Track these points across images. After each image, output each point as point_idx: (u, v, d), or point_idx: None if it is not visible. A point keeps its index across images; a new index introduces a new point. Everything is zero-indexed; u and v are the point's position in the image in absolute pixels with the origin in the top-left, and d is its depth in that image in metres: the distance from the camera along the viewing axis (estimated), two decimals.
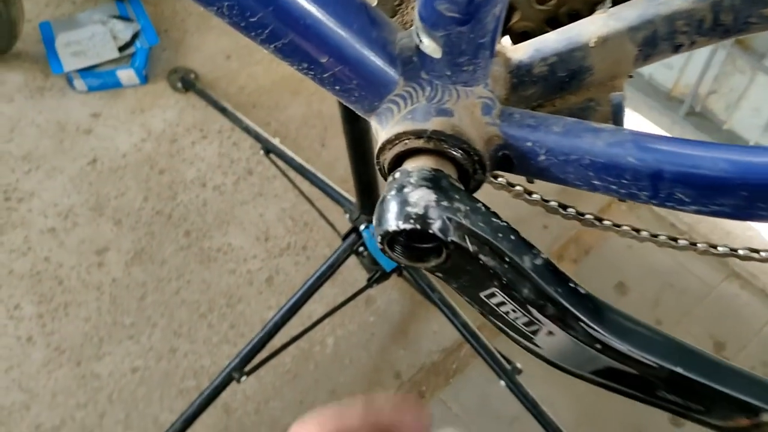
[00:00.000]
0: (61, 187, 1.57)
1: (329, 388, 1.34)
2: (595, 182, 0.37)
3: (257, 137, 1.50)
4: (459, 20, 0.35)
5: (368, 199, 1.13)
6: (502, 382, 1.17)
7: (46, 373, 1.36)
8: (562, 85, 0.40)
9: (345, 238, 1.20)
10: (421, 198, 0.35)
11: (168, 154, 1.61)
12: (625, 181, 0.36)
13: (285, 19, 0.37)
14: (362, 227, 1.16)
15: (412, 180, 0.36)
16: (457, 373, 1.36)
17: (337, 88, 0.40)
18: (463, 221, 0.35)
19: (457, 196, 0.36)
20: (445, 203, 0.35)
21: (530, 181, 0.42)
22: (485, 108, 0.39)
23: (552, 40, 0.40)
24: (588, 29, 0.39)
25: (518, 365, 1.21)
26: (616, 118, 0.41)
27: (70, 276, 1.46)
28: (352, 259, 1.25)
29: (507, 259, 0.36)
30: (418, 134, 0.38)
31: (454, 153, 0.38)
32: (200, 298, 1.43)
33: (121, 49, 1.69)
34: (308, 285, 1.21)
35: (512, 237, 0.36)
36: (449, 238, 0.35)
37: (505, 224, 0.37)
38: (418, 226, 0.35)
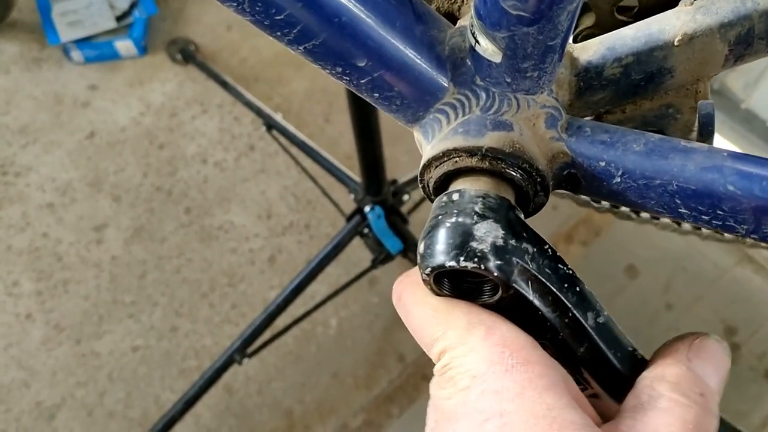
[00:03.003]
0: (59, 162, 1.53)
1: (332, 370, 1.32)
2: (683, 211, 0.32)
3: (259, 112, 1.46)
4: (527, 20, 0.29)
5: (373, 179, 1.10)
6: None
7: (46, 350, 1.35)
8: (636, 89, 0.35)
9: (349, 219, 1.17)
10: (488, 233, 0.30)
11: (168, 128, 1.57)
12: (720, 213, 0.31)
13: (317, 17, 0.31)
14: (367, 209, 1.12)
15: (477, 208, 0.30)
16: None
17: (377, 95, 0.34)
18: (530, 265, 0.30)
19: (525, 234, 0.31)
20: (513, 242, 0.30)
21: (596, 202, 0.36)
22: (550, 120, 0.33)
23: (629, 37, 0.34)
24: (672, 24, 0.33)
25: None
26: (704, 130, 0.36)
27: (69, 252, 1.44)
28: (356, 238, 1.22)
29: (570, 314, 0.32)
30: (471, 151, 0.32)
31: (514, 174, 0.32)
32: (201, 277, 1.41)
33: (119, 19, 1.64)
34: (311, 266, 1.19)
35: (578, 289, 0.32)
36: (511, 283, 0.30)
37: (571, 273, 0.32)
38: (482, 266, 0.29)
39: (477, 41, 0.32)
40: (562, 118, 0.34)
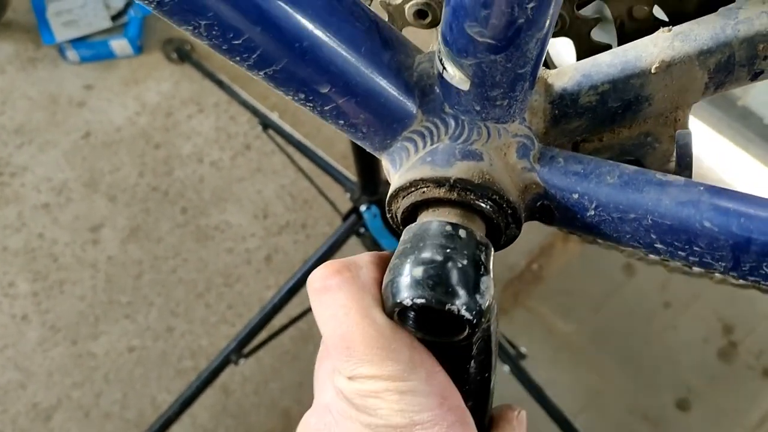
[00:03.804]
0: (55, 162, 1.53)
1: None
2: (658, 246, 0.31)
3: (255, 111, 1.45)
4: (494, 47, 0.28)
5: (369, 178, 1.09)
6: (506, 367, 1.14)
7: (42, 351, 1.34)
8: (613, 117, 0.33)
9: (345, 218, 1.17)
10: (458, 272, 0.28)
11: (163, 128, 1.57)
12: (697, 249, 0.30)
13: (277, 42, 0.30)
14: (363, 208, 1.12)
15: (444, 242, 0.29)
16: None
17: (342, 122, 0.33)
18: (492, 312, 0.30)
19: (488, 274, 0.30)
20: (483, 285, 0.29)
21: (571, 233, 0.36)
22: (522, 149, 0.32)
23: (605, 64, 0.33)
24: (649, 51, 0.32)
25: (523, 350, 1.18)
26: (682, 161, 0.34)
27: (65, 253, 1.43)
28: (353, 238, 1.22)
29: (486, 375, 0.33)
30: (438, 182, 0.31)
31: (483, 205, 0.31)
32: (197, 277, 1.40)
33: (114, 18, 1.63)
34: (308, 266, 1.18)
35: (496, 350, 0.34)
36: (481, 324, 0.29)
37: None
38: (454, 306, 0.28)
39: (444, 68, 0.31)
40: (534, 147, 0.33)
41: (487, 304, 0.29)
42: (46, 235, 1.45)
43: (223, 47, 0.31)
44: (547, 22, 0.28)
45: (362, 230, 1.16)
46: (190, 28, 0.30)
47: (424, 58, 0.33)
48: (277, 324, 1.21)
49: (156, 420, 1.19)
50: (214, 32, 0.30)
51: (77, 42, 1.61)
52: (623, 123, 0.34)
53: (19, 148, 1.54)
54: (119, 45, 1.62)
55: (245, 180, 1.50)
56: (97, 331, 1.36)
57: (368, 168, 1.07)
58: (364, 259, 0.32)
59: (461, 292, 0.28)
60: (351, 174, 1.22)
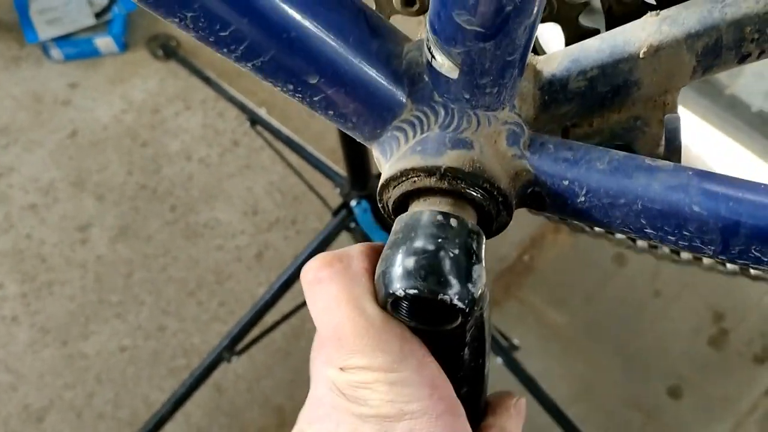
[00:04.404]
0: (41, 162, 1.51)
1: None
2: (648, 231, 0.31)
3: (243, 108, 1.44)
4: (483, 35, 0.28)
5: (359, 173, 1.09)
6: (499, 359, 1.14)
7: (32, 353, 1.33)
8: (602, 102, 0.33)
9: (336, 213, 1.16)
10: (451, 260, 0.28)
11: (150, 125, 1.55)
12: (687, 233, 0.30)
13: (264, 33, 0.30)
14: (353, 203, 1.12)
15: (436, 232, 0.29)
16: None
17: (331, 112, 0.33)
18: (485, 300, 0.30)
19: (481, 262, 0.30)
20: (475, 273, 0.29)
21: (562, 219, 0.36)
22: (512, 137, 0.32)
23: (593, 49, 0.33)
24: (637, 36, 0.32)
25: (516, 342, 1.19)
26: (671, 145, 0.34)
27: (53, 254, 1.42)
28: (344, 232, 1.21)
29: (481, 360, 0.33)
30: (429, 171, 0.31)
31: (474, 194, 0.31)
32: (188, 275, 1.39)
33: (98, 15, 1.62)
34: (299, 262, 1.18)
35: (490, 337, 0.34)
36: (474, 313, 0.29)
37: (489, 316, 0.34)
38: (447, 296, 0.28)
39: (433, 56, 0.30)
40: (524, 134, 0.33)
41: (479, 293, 0.29)
42: (33, 235, 1.43)
43: (210, 39, 0.31)
44: (536, 8, 0.28)
45: (353, 225, 1.16)
46: (177, 20, 0.30)
47: (413, 47, 0.33)
48: (269, 321, 1.21)
49: (149, 419, 1.18)
50: (200, 24, 0.30)
51: (61, 40, 1.59)
52: (612, 107, 0.34)
53: (5, 148, 1.53)
54: (104, 42, 1.61)
55: (234, 177, 1.50)
56: (88, 331, 1.35)
57: (358, 162, 1.06)
58: (356, 250, 0.32)
59: (453, 281, 0.28)
60: (340, 169, 1.22)
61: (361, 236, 1.18)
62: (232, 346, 1.16)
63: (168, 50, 1.61)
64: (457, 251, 0.29)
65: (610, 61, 0.33)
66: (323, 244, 1.18)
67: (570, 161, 0.32)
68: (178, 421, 1.22)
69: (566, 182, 0.32)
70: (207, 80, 1.53)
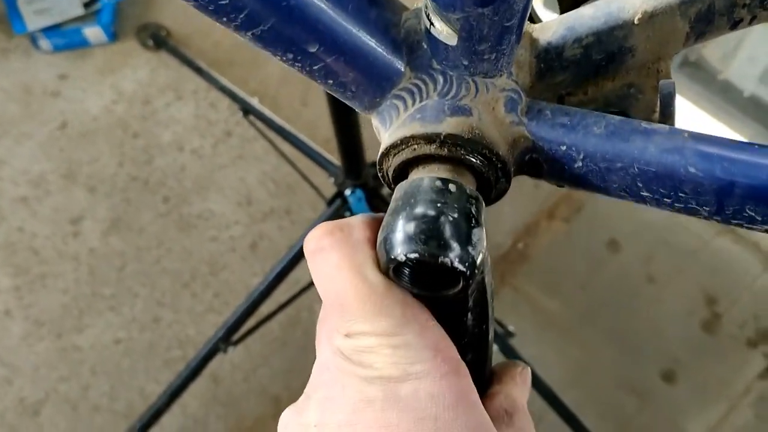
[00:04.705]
0: (31, 154, 1.50)
1: None
2: (645, 194, 0.31)
3: (235, 97, 1.43)
4: (481, 0, 0.28)
5: (353, 162, 1.08)
6: (495, 346, 1.14)
7: (27, 346, 1.33)
8: (597, 69, 0.34)
9: (330, 203, 1.16)
10: (451, 224, 0.28)
11: (141, 116, 1.54)
12: (682, 195, 0.30)
13: (264, 1, 0.30)
14: (348, 192, 1.11)
15: (436, 197, 0.29)
16: None
17: (330, 81, 0.33)
18: (485, 264, 0.30)
19: (482, 226, 0.31)
20: (475, 236, 0.29)
21: (560, 185, 0.36)
22: (510, 103, 0.32)
23: (587, 17, 0.33)
24: (631, 3, 0.32)
25: (511, 328, 1.19)
26: (666, 110, 0.34)
27: (46, 246, 1.41)
28: None
29: (484, 326, 0.34)
30: (429, 138, 0.31)
31: (473, 160, 0.31)
32: (182, 267, 1.39)
33: (87, 5, 1.60)
34: (294, 252, 1.17)
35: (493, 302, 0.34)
36: (475, 276, 0.29)
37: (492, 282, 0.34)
38: (448, 259, 0.28)
39: (432, 23, 0.31)
40: (522, 101, 0.33)
41: (480, 256, 0.29)
42: (25, 228, 1.42)
43: (210, 7, 0.31)
44: None
45: (347, 214, 1.15)
46: None
47: (411, 15, 0.33)
48: (264, 311, 1.20)
49: (146, 410, 1.18)
50: None
51: (49, 30, 1.58)
52: (607, 75, 0.34)
53: None
54: (93, 33, 1.59)
55: (227, 167, 1.49)
56: (82, 324, 1.34)
57: (352, 151, 1.06)
58: (357, 219, 0.32)
59: (454, 244, 0.28)
60: (334, 158, 1.21)
61: None
62: (227, 337, 1.16)
63: (158, 40, 1.59)
64: (456, 215, 0.29)
65: (605, 28, 0.33)
66: None
67: (567, 126, 0.32)
68: (175, 413, 1.23)
69: (563, 147, 0.32)
70: (198, 70, 1.51)
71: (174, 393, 1.18)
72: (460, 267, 0.28)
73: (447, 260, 0.28)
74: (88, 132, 1.52)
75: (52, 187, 1.46)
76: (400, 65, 0.33)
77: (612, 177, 0.31)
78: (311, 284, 1.23)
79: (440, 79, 0.32)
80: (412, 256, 0.28)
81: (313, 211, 1.43)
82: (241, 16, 0.30)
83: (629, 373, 1.28)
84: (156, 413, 1.17)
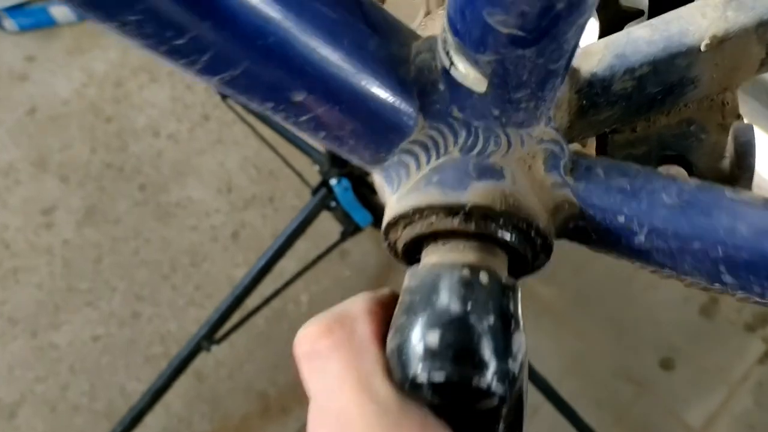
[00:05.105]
0: None
1: None
2: (728, 280, 0.25)
3: None
4: (522, 40, 0.21)
5: None
6: None
7: (1, 346, 1.27)
8: (650, 103, 0.27)
9: (315, 192, 1.10)
10: (482, 335, 0.22)
11: (113, 99, 1.47)
12: None
13: (234, 39, 0.23)
14: (333, 181, 1.06)
15: (464, 294, 0.23)
16: None
17: (322, 134, 0.26)
18: (521, 378, 0.24)
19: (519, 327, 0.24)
20: (513, 346, 0.23)
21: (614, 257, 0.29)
22: (551, 159, 0.25)
23: (642, 41, 0.26)
24: (697, 24, 0.26)
25: None
26: (743, 162, 0.28)
27: (17, 239, 1.35)
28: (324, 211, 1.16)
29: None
30: (450, 210, 0.24)
31: (507, 237, 0.24)
32: (161, 258, 1.33)
33: None
34: (278, 244, 1.12)
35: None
36: (513, 399, 0.24)
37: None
38: (481, 383, 0.22)
39: (453, 63, 0.24)
40: (565, 155, 0.26)
41: (520, 368, 0.23)
42: None
43: (161, 48, 0.24)
44: (591, 1, 0.21)
45: (333, 204, 1.10)
46: (116, 26, 0.23)
47: (423, 47, 0.26)
48: (249, 305, 1.15)
49: (128, 412, 1.14)
50: (147, 30, 0.23)
51: (14, 10, 1.49)
52: (661, 109, 0.28)
53: None
54: (60, 11, 1.51)
55: (206, 152, 1.42)
56: (58, 320, 1.29)
57: None
58: (359, 307, 0.26)
59: (491, 362, 0.22)
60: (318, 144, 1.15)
61: (342, 215, 1.12)
62: (211, 335, 1.11)
63: None
64: (492, 319, 0.23)
65: (665, 56, 0.26)
66: (303, 225, 1.12)
67: (626, 192, 0.25)
68: (158, 412, 1.18)
69: (621, 218, 0.25)
70: None
71: (157, 393, 1.13)
72: (498, 389, 0.23)
73: (483, 381, 0.22)
74: (59, 117, 1.45)
75: (22, 176, 1.39)
76: (411, 112, 0.26)
77: (686, 257, 0.25)
78: (296, 276, 1.18)
79: (462, 131, 0.25)
80: (438, 378, 0.22)
81: (298, 198, 1.37)
82: (204, 58, 0.24)
83: (626, 361, 1.25)
84: (139, 414, 1.12)
